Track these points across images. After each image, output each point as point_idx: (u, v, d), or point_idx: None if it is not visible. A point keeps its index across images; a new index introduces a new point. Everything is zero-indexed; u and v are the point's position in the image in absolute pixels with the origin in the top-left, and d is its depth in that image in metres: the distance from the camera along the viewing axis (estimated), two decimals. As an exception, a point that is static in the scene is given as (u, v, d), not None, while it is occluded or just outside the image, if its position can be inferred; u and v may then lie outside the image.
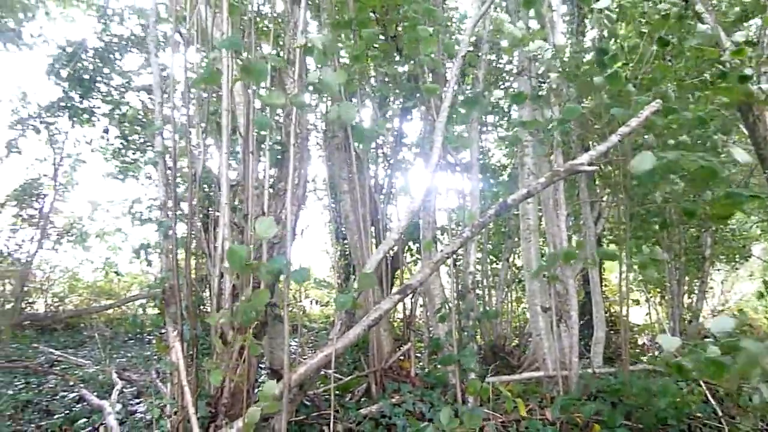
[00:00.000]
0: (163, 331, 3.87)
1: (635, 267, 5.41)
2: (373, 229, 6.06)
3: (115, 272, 12.55)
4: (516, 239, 8.59)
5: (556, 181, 3.81)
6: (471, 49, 6.03)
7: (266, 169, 3.73)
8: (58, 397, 5.62)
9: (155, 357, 8.53)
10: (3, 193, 11.89)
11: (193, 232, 3.89)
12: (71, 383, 6.28)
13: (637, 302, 11.38)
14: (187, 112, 3.78)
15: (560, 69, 5.11)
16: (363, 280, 3.15)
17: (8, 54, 11.51)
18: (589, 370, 5.30)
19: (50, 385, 6.27)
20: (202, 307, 5.66)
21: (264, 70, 3.22)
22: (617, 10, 4.98)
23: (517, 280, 9.28)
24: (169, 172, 3.83)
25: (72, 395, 5.67)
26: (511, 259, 9.19)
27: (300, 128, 3.97)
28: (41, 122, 11.83)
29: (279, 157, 4.06)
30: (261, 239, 2.72)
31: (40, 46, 12.28)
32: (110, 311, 12.33)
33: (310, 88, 3.60)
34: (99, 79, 11.82)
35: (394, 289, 3.57)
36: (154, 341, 10.48)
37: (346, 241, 9.54)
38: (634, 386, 4.25)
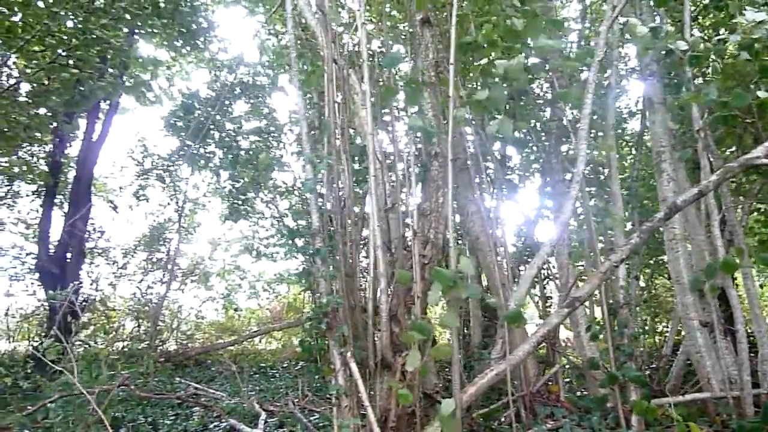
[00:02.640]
0: (280, 362, 3.89)
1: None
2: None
3: (235, 308, 13.08)
4: (644, 255, 8.11)
5: (728, 178, 3.52)
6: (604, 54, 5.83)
7: (412, 191, 3.72)
8: (210, 427, 5.82)
9: (286, 388, 8.72)
10: (134, 239, 12.87)
11: (342, 257, 3.90)
12: (216, 414, 6.51)
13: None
14: (334, 140, 3.84)
15: (701, 65, 4.80)
16: (519, 296, 3.05)
17: (133, 111, 12.63)
18: (762, 391, 4.79)
19: (197, 416, 6.53)
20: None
21: (418, 91, 3.24)
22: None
23: (649, 296, 8.72)
24: (320, 201, 3.89)
25: (222, 425, 5.86)
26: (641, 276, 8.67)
27: (442, 148, 3.94)
28: (164, 171, 12.71)
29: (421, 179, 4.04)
30: (465, 272, 2.66)
31: (161, 101, 13.34)
32: (233, 347, 12.83)
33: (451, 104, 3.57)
34: (212, 126, 12.60)
35: (562, 303, 3.40)
36: (276, 374, 10.78)
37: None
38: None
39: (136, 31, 11.97)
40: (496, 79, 3.29)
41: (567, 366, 6.34)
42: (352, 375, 3.23)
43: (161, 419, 6.04)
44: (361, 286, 4.09)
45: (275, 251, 12.71)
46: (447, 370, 8.28)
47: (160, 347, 11.94)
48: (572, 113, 4.94)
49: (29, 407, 5.84)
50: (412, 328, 3.04)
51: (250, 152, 12.15)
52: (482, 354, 4.81)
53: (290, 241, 11.79)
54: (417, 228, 3.56)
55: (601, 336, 4.45)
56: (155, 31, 12.34)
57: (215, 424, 5.94)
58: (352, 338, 3.41)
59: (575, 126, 4.86)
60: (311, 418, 6.45)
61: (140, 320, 12.26)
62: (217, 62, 13.26)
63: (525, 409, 5.04)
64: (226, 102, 12.55)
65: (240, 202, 12.67)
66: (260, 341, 14.28)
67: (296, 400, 7.49)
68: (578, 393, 5.21)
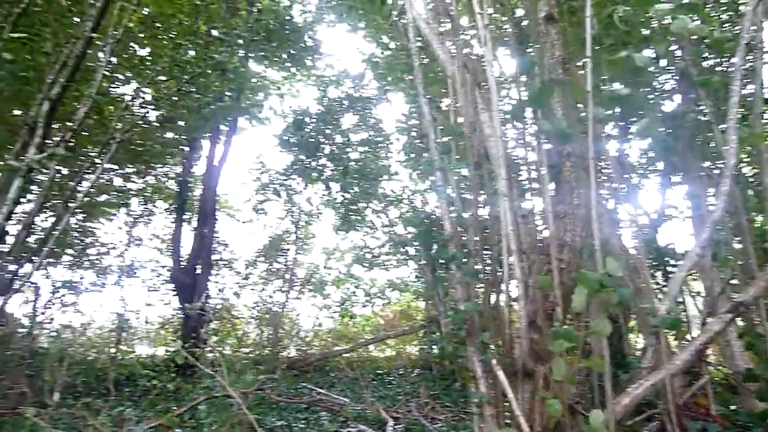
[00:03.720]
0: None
1: None
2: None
3: (350, 316, 13.40)
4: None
5: None
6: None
7: (544, 194, 3.60)
8: (341, 431, 5.98)
9: (405, 395, 8.78)
10: (255, 251, 13.61)
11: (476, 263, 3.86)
12: (342, 419, 6.69)
13: None
14: (463, 145, 3.81)
15: None
16: (670, 300, 2.85)
17: (250, 131, 13.41)
18: None
19: (324, 420, 6.74)
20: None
21: (550, 92, 3.15)
22: None
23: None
24: (452, 208, 3.86)
25: (353, 430, 6.00)
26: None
27: (575, 148, 3.79)
28: (279, 186, 13.33)
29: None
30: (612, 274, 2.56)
31: (273, 120, 14.05)
32: (349, 354, 13.14)
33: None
34: (322, 140, 13.06)
35: (724, 308, 3.15)
36: (393, 381, 10.89)
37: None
38: None
39: (250, 55, 12.67)
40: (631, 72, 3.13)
41: (715, 377, 5.87)
42: (496, 383, 3.18)
43: (294, 423, 6.28)
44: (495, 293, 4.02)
45: (387, 259, 12.89)
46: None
47: (282, 354, 12.48)
48: (710, 103, 4.57)
49: (174, 408, 6.32)
50: (555, 336, 2.94)
51: (359, 163, 12.46)
52: (628, 362, 4.55)
53: (402, 249, 12.01)
54: (553, 231, 3.45)
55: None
56: (266, 54, 13.03)
57: (346, 429, 6.09)
58: (491, 346, 3.35)
59: (715, 117, 4.51)
60: (435, 426, 6.46)
61: (262, 328, 12.92)
62: (324, 78, 13.73)
63: (671, 423, 4.70)
64: (335, 116, 12.96)
65: (351, 213, 13.00)
66: (375, 348, 14.52)
67: (418, 407, 7.54)
68: (730, 407, 4.79)
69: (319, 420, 6.80)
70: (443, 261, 3.88)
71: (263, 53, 12.58)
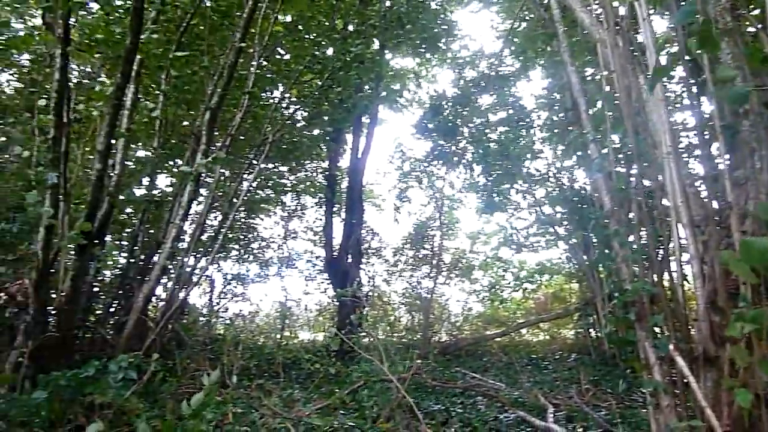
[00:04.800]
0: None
1: None
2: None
3: (500, 300, 13.18)
4: None
5: None
6: None
7: (722, 157, 3.20)
8: (499, 417, 5.88)
9: (563, 381, 8.44)
10: (401, 238, 13.89)
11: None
12: (499, 404, 6.57)
13: None
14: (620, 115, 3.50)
15: None
16: None
17: (390, 121, 13.66)
18: None
19: (480, 405, 6.68)
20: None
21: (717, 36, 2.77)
22: None
23: None
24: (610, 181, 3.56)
25: (511, 416, 5.88)
26: None
27: (755, 104, 3.31)
28: (421, 172, 13.44)
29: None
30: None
31: (411, 107, 14.18)
32: (500, 338, 12.93)
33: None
34: (461, 123, 12.91)
35: None
36: (549, 366, 10.51)
37: None
38: None
39: (385, 43, 12.85)
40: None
41: None
42: (675, 370, 2.89)
43: (451, 407, 6.30)
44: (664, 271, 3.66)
45: (535, 241, 12.46)
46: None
47: (433, 339, 12.62)
48: None
49: (336, 390, 6.64)
50: (736, 319, 2.60)
51: (500, 144, 12.14)
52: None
53: (551, 229, 11.53)
54: (732, 200, 3.05)
55: None
56: (401, 41, 13.13)
57: (504, 415, 5.97)
58: (665, 330, 3.05)
59: None
60: (599, 414, 6.11)
61: (413, 313, 13.17)
62: (460, 60, 13.55)
63: None
64: (472, 97, 12.74)
65: (495, 195, 12.75)
66: (527, 332, 14.15)
67: (579, 393, 7.20)
68: None
69: (476, 405, 6.75)
70: (601, 239, 3.59)
71: (398, 40, 12.67)
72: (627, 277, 3.28)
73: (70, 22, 5.41)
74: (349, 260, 12.67)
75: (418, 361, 6.71)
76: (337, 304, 12.62)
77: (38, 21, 8.77)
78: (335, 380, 7.68)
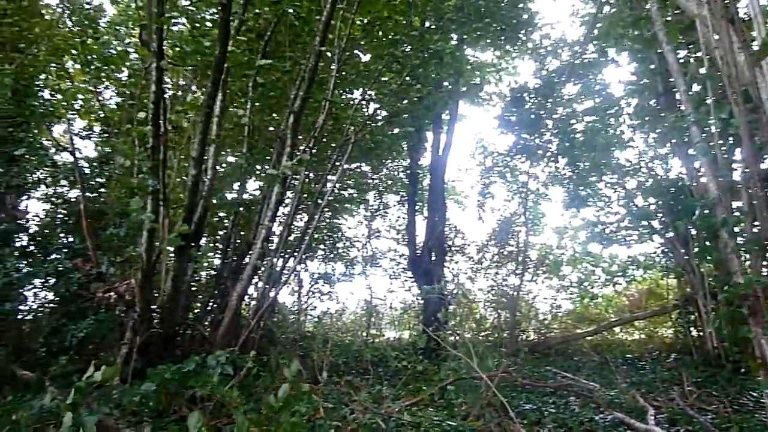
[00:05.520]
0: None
1: None
2: None
3: (590, 297, 12.67)
4: None
5: None
6: None
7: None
8: (596, 419, 5.64)
9: (662, 382, 7.99)
10: (485, 235, 13.68)
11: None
12: (594, 405, 6.30)
13: None
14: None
15: None
16: None
17: (470, 117, 13.49)
18: None
19: (573, 406, 6.43)
20: None
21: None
22: None
23: None
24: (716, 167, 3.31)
25: (608, 417, 5.63)
26: None
27: None
28: (504, 167, 13.18)
29: None
30: None
31: (492, 101, 13.93)
32: (592, 337, 12.43)
33: None
34: (544, 115, 12.51)
35: None
36: (646, 366, 9.97)
37: None
38: None
39: (464, 38, 12.68)
40: None
41: None
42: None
43: (544, 407, 6.12)
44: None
45: (627, 235, 11.84)
46: None
47: (520, 337, 12.32)
48: None
49: (424, 388, 6.62)
50: None
51: (586, 134, 11.66)
52: None
53: (644, 222, 10.91)
54: None
55: None
56: (480, 34, 12.87)
57: (600, 416, 5.73)
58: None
59: None
60: (706, 417, 5.71)
61: (499, 311, 12.92)
62: (541, 50, 13.15)
63: None
64: (555, 88, 12.32)
65: (581, 188, 12.26)
66: (621, 331, 13.49)
67: (681, 395, 6.77)
68: None
69: (569, 405, 6.51)
70: (705, 230, 3.33)
71: (477, 34, 12.43)
72: (737, 269, 3.02)
73: (163, 37, 5.73)
74: (433, 258, 12.62)
75: (505, 359, 6.56)
76: (422, 302, 12.61)
77: (134, 39, 9.44)
78: (422, 378, 7.68)
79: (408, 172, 13.93)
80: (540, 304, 13.46)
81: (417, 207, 13.70)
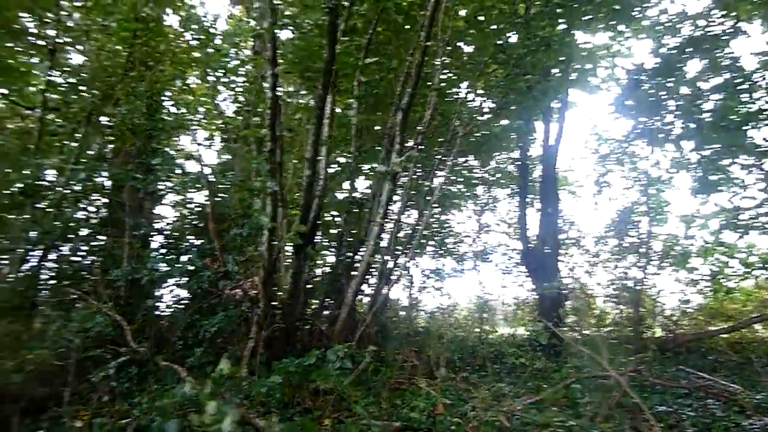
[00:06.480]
0: None
1: None
2: None
3: (725, 291, 11.63)
4: None
5: None
6: None
7: None
8: (743, 425, 5.15)
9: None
10: (603, 226, 12.99)
11: None
12: (736, 408, 5.77)
13: None
14: None
15: None
16: None
17: (582, 104, 12.87)
18: None
19: (713, 409, 5.92)
20: None
21: None
22: None
23: None
24: None
25: (757, 423, 5.13)
26: None
27: None
28: (621, 154, 12.44)
29: None
30: None
31: (606, 86, 13.19)
32: (728, 334, 11.40)
33: None
34: (665, 96, 11.66)
35: None
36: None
37: None
38: None
39: (573, 22, 12.10)
40: None
41: None
42: None
43: (680, 409, 5.69)
44: None
45: (767, 221, 10.75)
46: None
47: (645, 334, 11.56)
48: None
49: (544, 386, 6.40)
50: None
51: (715, 113, 10.71)
52: None
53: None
54: None
55: None
56: (590, 17, 12.23)
57: (749, 421, 5.22)
58: None
59: None
60: None
61: (621, 306, 12.21)
62: (658, 26, 12.23)
63: None
64: (677, 65, 11.44)
65: (711, 172, 11.30)
66: (763, 328, 12.24)
67: None
68: None
69: (708, 408, 6.00)
70: None
71: (587, 17, 11.81)
72: None
73: (276, 46, 5.99)
74: (547, 251, 12.19)
75: (635, 357, 6.17)
76: (537, 297, 12.23)
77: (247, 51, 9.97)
78: (540, 375, 7.44)
79: (518, 163, 13.56)
80: (666, 299, 12.54)
81: (528, 199, 13.28)
